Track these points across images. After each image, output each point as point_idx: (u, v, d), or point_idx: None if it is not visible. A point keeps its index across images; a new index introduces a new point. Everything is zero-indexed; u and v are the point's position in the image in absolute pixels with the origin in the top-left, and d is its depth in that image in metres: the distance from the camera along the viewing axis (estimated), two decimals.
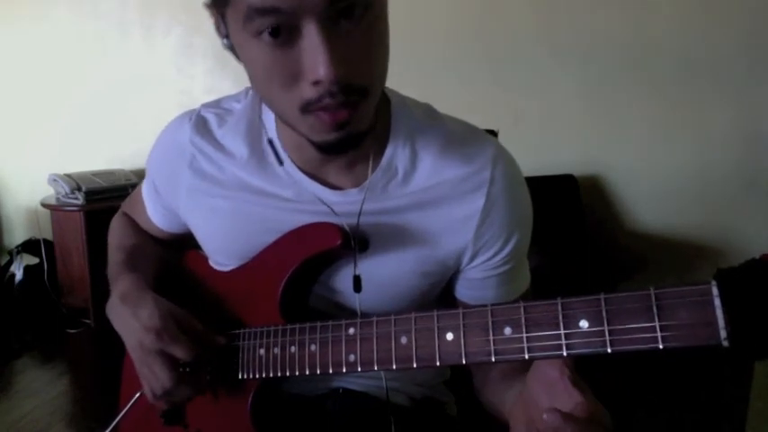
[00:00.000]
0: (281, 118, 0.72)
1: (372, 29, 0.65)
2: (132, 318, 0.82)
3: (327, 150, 0.71)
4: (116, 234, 1.04)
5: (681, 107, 2.90)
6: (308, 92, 0.64)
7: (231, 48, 0.71)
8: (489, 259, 0.83)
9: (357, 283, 0.81)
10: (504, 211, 0.81)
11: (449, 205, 0.80)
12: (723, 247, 2.94)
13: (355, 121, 0.67)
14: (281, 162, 0.81)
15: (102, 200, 3.23)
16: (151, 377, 0.81)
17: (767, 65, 2.78)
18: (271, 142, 0.82)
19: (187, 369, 0.81)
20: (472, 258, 0.83)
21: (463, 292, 0.88)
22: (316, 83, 0.62)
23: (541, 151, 2.99)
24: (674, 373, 2.30)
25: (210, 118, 0.88)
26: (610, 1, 2.93)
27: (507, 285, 0.87)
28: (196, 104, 0.92)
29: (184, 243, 1.01)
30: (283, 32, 0.61)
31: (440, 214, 0.80)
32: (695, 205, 2.95)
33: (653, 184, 2.98)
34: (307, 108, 0.65)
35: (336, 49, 0.61)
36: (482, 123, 0.89)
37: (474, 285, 0.87)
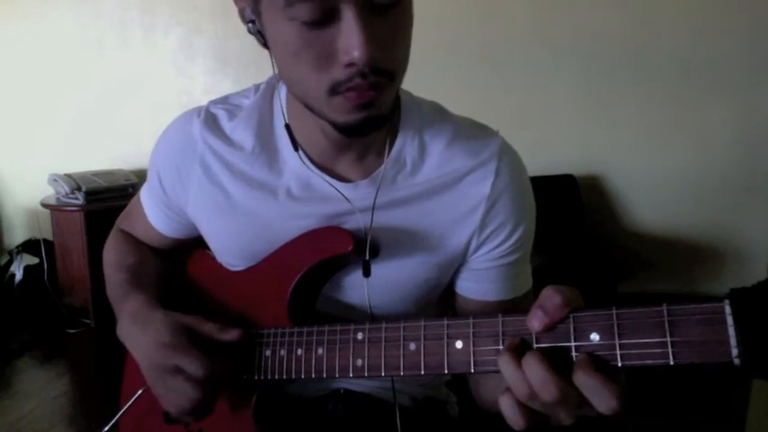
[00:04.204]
0: (305, 100, 0.72)
1: (403, 15, 0.68)
2: (142, 335, 0.81)
3: (349, 133, 0.72)
4: (113, 253, 1.01)
5: (680, 107, 2.91)
6: (339, 73, 0.65)
7: (258, 32, 0.72)
8: (495, 248, 0.84)
9: (366, 268, 0.81)
10: (510, 201, 0.83)
11: (455, 195, 0.82)
12: (722, 247, 2.94)
13: (379, 104, 0.69)
14: (296, 147, 0.81)
15: (102, 200, 3.24)
16: (174, 395, 0.79)
17: (767, 65, 2.78)
18: (288, 127, 0.81)
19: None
20: (478, 248, 0.84)
21: (464, 284, 0.88)
22: (349, 65, 0.64)
23: (541, 151, 3.00)
24: (673, 375, 2.30)
25: (220, 114, 0.88)
26: (610, 1, 2.93)
27: (509, 281, 0.87)
28: (196, 104, 0.92)
29: (182, 251, 1.01)
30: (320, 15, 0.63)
31: (447, 204, 0.82)
32: (695, 205, 2.96)
33: (653, 184, 2.99)
34: (335, 89, 0.66)
35: (371, 33, 0.62)
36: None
37: (476, 277, 0.86)
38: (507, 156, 0.84)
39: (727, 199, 2.92)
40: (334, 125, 0.71)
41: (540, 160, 2.91)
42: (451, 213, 0.82)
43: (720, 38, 2.82)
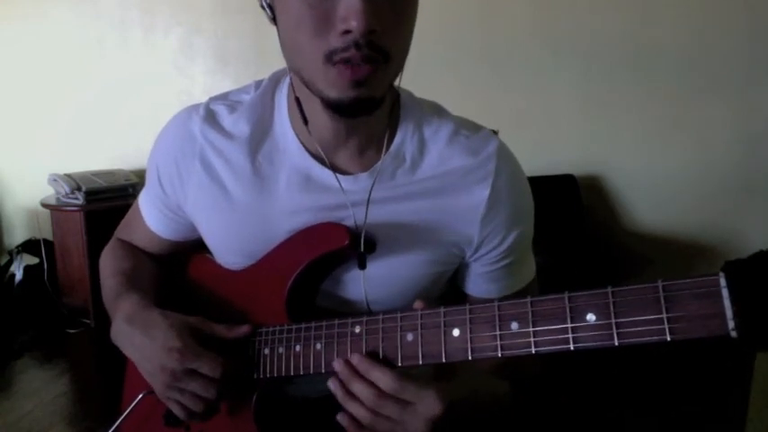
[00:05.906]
0: (302, 73, 0.73)
1: (408, 1, 0.70)
2: (146, 339, 0.80)
3: (340, 111, 0.72)
4: (109, 261, 1.01)
5: (680, 107, 2.91)
6: (335, 40, 0.66)
7: (269, 6, 0.74)
8: (490, 251, 0.85)
9: (362, 260, 0.81)
10: (508, 203, 0.83)
11: (455, 194, 0.82)
12: (722, 247, 2.94)
13: (371, 84, 0.69)
14: (306, 121, 0.80)
15: (102, 200, 3.23)
16: (188, 398, 0.79)
17: (766, 65, 2.78)
18: (298, 100, 0.80)
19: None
20: (477, 249, 0.85)
21: (471, 287, 0.90)
22: (346, 32, 0.65)
23: (541, 151, 2.99)
24: (674, 366, 2.30)
25: (219, 110, 0.88)
26: (610, 1, 2.93)
27: (511, 278, 0.89)
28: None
29: (180, 256, 1.00)
30: None
31: (446, 203, 0.82)
32: (695, 205, 2.96)
33: (653, 184, 2.98)
34: (330, 57, 0.67)
35: (372, 6, 0.64)
36: (482, 123, 0.90)
37: (479, 280, 0.89)
38: (505, 156, 0.85)
39: (726, 199, 2.91)
40: (327, 102, 0.72)
41: (540, 160, 2.91)
42: (450, 211, 0.82)
43: (720, 38, 2.81)
